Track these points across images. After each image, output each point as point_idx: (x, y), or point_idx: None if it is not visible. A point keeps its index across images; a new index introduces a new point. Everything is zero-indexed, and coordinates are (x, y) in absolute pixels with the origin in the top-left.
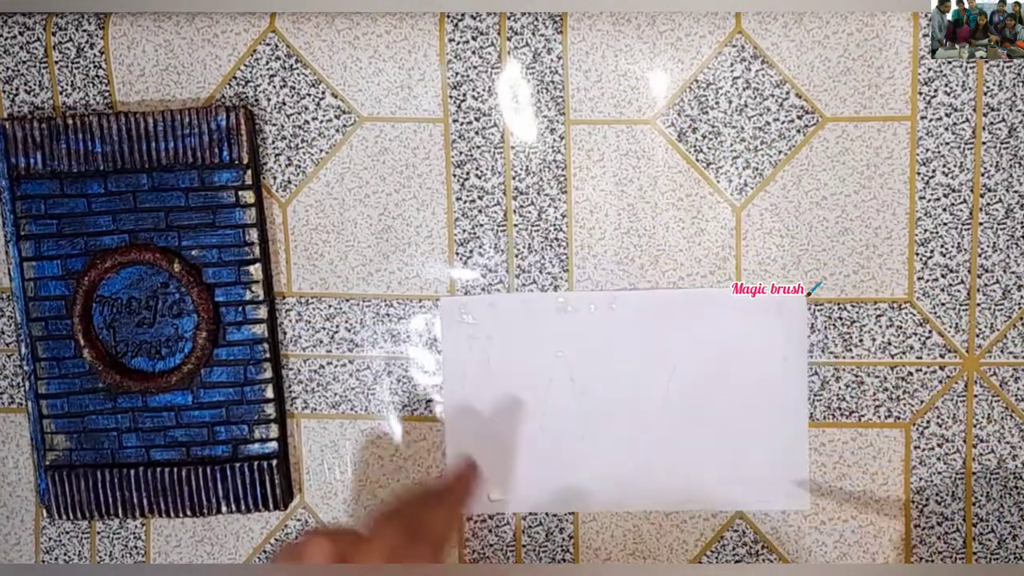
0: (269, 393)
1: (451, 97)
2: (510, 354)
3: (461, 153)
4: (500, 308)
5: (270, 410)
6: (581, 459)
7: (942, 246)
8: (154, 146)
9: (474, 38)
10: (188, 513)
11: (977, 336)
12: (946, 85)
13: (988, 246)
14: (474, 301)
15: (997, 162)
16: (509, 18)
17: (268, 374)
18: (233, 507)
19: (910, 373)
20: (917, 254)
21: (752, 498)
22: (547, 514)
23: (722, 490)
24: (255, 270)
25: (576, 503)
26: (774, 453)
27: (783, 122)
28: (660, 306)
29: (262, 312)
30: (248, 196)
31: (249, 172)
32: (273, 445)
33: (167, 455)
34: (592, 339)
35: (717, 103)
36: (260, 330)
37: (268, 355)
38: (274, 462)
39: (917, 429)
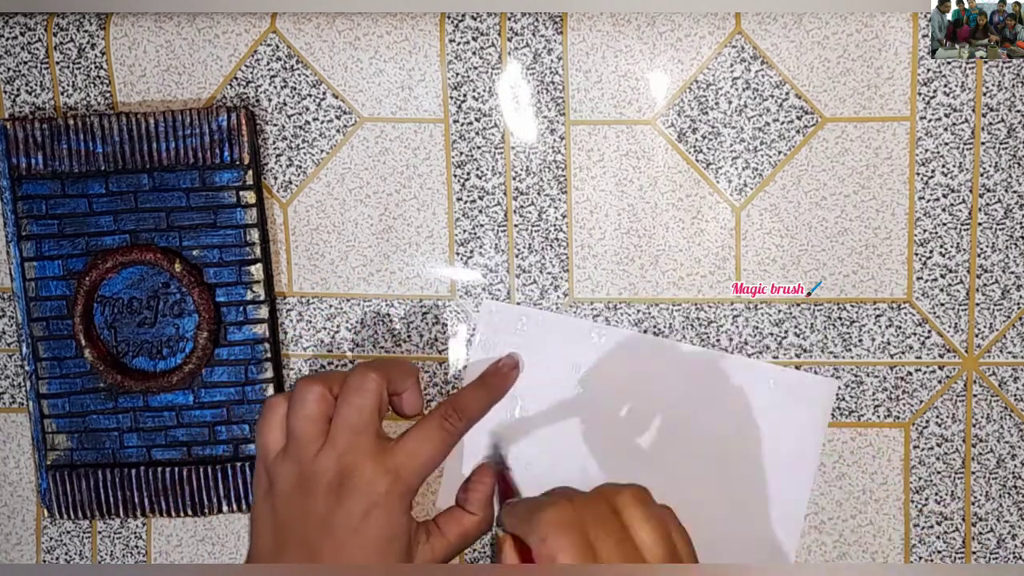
0: (270, 393)
1: (451, 97)
2: (535, 371)
3: (462, 153)
4: (540, 324)
5: None
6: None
7: (941, 246)
8: (155, 146)
9: (474, 39)
10: (189, 513)
11: (976, 336)
12: (945, 85)
13: (987, 246)
14: (518, 313)
15: (996, 162)
16: (509, 19)
17: (269, 374)
18: (234, 506)
19: (909, 373)
20: (916, 254)
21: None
22: None
23: (701, 547)
24: (256, 270)
25: None
26: (768, 527)
27: (783, 122)
28: (700, 366)
29: (263, 312)
30: (249, 196)
31: (250, 172)
32: None
33: (168, 455)
34: (619, 378)
35: (717, 103)
36: (261, 330)
37: (269, 355)
38: None
39: (916, 429)
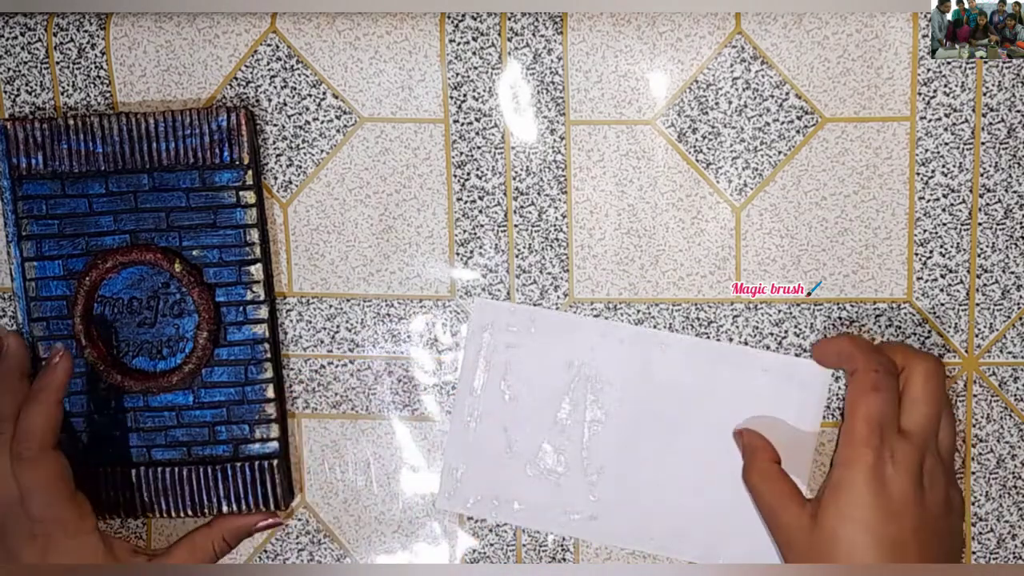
0: (270, 393)
1: (451, 98)
2: (530, 368)
3: (462, 153)
4: (532, 321)
5: (271, 410)
6: (576, 486)
7: (941, 246)
8: (155, 146)
9: (474, 39)
10: (189, 513)
11: (976, 336)
12: (946, 85)
13: (987, 246)
14: (508, 309)
15: (996, 162)
16: (509, 19)
17: (269, 374)
18: (234, 506)
19: None
20: (916, 254)
21: (729, 554)
22: None
23: (702, 542)
24: (256, 270)
25: (560, 526)
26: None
27: (783, 122)
28: (695, 356)
29: (263, 312)
30: (249, 196)
31: (250, 172)
32: (274, 445)
33: (168, 455)
34: (614, 372)
35: (717, 104)
36: (261, 330)
37: (269, 355)
38: (275, 462)
39: None
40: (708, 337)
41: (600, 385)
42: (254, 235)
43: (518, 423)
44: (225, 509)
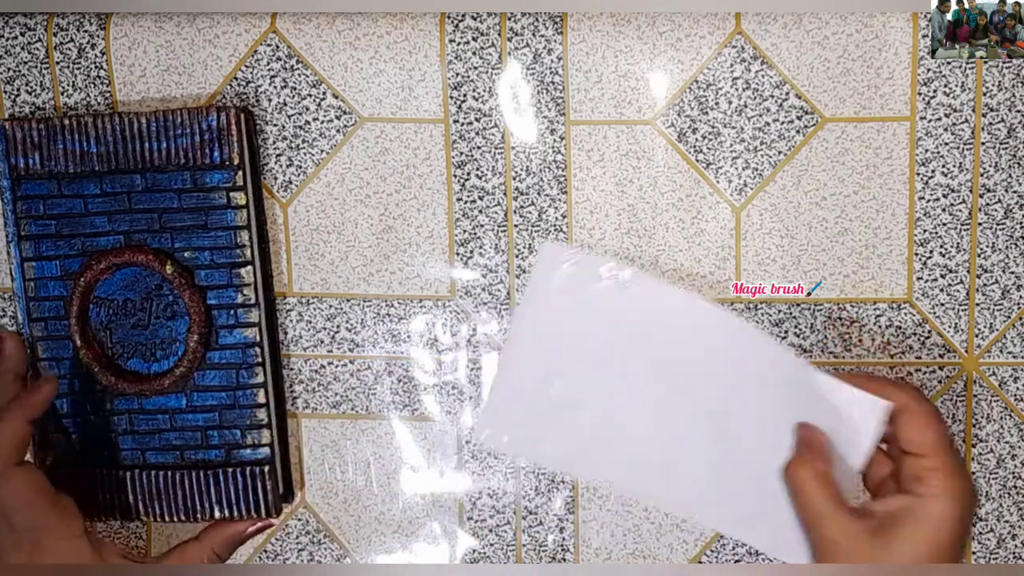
0: (261, 398)
1: (451, 98)
2: (590, 319)
3: (462, 154)
4: (603, 277)
5: (262, 415)
6: (612, 438)
7: (941, 246)
8: (147, 147)
9: (474, 39)
10: (182, 517)
11: (976, 336)
12: (946, 85)
13: (987, 246)
14: (574, 258)
15: (996, 162)
16: (509, 19)
17: (260, 378)
18: (227, 512)
19: (909, 373)
20: (916, 254)
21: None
22: (548, 513)
23: (729, 512)
24: (247, 273)
25: (589, 472)
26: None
27: (783, 122)
28: (766, 350)
29: (254, 316)
30: (239, 197)
31: (240, 173)
32: (265, 451)
33: (161, 458)
34: (678, 339)
35: (717, 104)
36: (252, 334)
37: (260, 359)
38: (266, 468)
39: None
40: None
41: (652, 347)
42: (244, 237)
43: (565, 370)
44: (217, 514)
